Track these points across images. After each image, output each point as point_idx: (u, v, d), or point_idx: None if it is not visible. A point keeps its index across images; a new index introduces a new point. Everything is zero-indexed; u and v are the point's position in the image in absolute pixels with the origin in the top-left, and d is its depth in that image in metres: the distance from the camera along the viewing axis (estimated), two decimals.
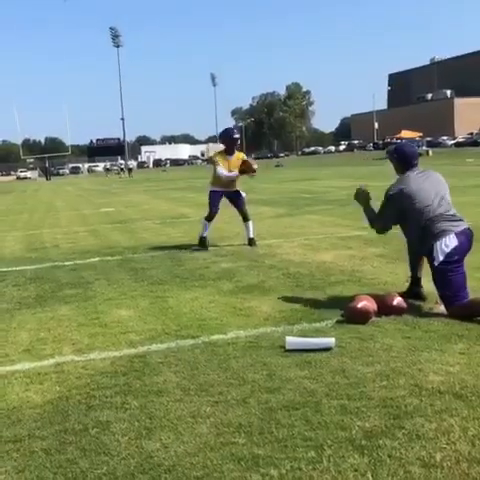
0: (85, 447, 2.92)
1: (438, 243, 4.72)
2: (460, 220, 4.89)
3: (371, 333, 4.38)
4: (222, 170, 8.79)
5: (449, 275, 4.70)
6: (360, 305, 4.69)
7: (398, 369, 3.67)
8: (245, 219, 9.14)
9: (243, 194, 9.17)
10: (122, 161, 66.79)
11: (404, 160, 5.17)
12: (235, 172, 8.79)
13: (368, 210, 5.35)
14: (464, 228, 4.83)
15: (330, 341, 4.11)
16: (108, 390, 3.62)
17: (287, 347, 4.10)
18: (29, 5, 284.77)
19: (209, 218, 9.03)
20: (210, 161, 9.36)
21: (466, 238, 4.79)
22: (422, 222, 4.82)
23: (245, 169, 8.82)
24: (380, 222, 5.22)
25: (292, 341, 4.13)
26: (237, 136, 9.13)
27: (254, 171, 8.93)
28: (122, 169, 56.16)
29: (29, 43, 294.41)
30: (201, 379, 3.70)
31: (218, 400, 3.36)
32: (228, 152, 8.91)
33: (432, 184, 5.01)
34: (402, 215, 4.95)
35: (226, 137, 9.02)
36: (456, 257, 4.70)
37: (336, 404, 3.21)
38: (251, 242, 8.98)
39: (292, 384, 3.52)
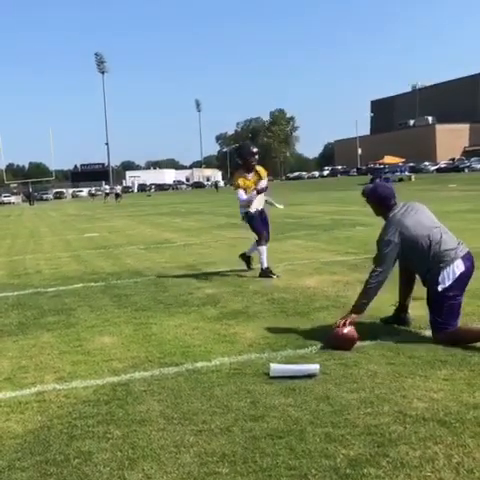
0: (66, 478, 2.88)
1: (447, 269, 4.71)
2: (461, 244, 4.92)
3: (355, 359, 4.37)
4: (241, 193, 8.22)
5: (448, 302, 4.69)
6: (345, 331, 4.69)
7: (382, 396, 3.67)
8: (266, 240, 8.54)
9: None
10: (107, 186, 66.67)
11: (383, 202, 5.08)
12: (254, 192, 8.21)
13: (361, 298, 5.02)
14: (467, 251, 4.86)
15: (314, 368, 4.10)
16: (90, 419, 3.57)
17: (271, 374, 4.08)
18: (13, 28, 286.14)
19: (262, 242, 8.40)
20: (233, 185, 8.62)
21: (470, 262, 4.82)
22: (428, 252, 4.78)
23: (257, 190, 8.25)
24: (385, 270, 4.87)
25: (276, 368, 4.11)
26: (255, 150, 8.45)
27: (261, 191, 8.31)
28: (107, 194, 55.84)
29: (13, 67, 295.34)
30: (185, 408, 3.67)
31: (202, 429, 3.33)
32: (247, 170, 8.36)
33: (424, 214, 5.02)
34: (406, 254, 4.87)
35: (243, 153, 8.42)
36: (461, 283, 4.72)
37: (320, 432, 3.19)
38: (244, 257, 8.82)
39: (276, 412, 3.49)
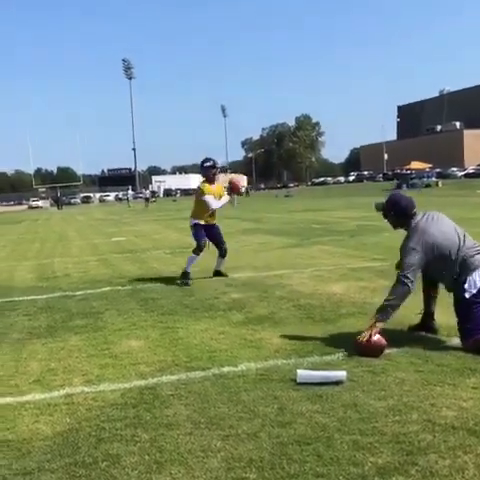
0: None
1: (473, 275, 4.68)
2: None
3: (383, 366, 4.34)
4: (210, 199, 8.69)
5: (476, 309, 4.66)
6: (375, 338, 4.65)
7: (411, 404, 3.63)
8: (223, 255, 9.08)
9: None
10: (147, 190, 67.04)
11: (405, 213, 5.00)
12: (225, 198, 8.84)
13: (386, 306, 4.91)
14: None
15: (342, 374, 4.08)
16: (118, 422, 3.60)
17: (298, 380, 4.07)
18: (42, 37, 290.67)
19: (197, 251, 8.82)
20: (197, 192, 9.06)
21: None
22: (453, 260, 4.74)
23: (232, 188, 8.89)
24: (411, 278, 4.79)
25: (303, 374, 4.10)
26: (208, 164, 8.86)
27: (240, 190, 8.83)
28: (147, 199, 55.72)
29: (42, 73, 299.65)
30: (212, 412, 3.68)
31: (229, 434, 3.33)
32: (210, 182, 8.85)
33: (445, 223, 4.99)
34: (430, 262, 4.83)
35: (203, 167, 8.92)
36: None
37: (348, 439, 3.17)
38: (219, 274, 9.09)
39: (304, 418, 3.48)
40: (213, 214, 8.94)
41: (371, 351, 4.61)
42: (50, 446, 3.34)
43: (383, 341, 4.66)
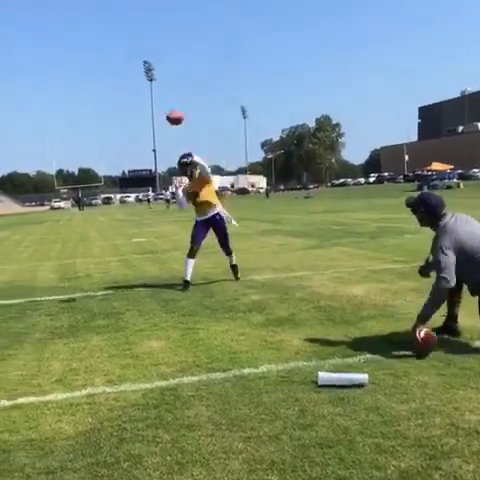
0: None
1: None
2: None
3: (405, 369, 4.30)
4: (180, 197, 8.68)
5: None
6: (423, 334, 4.62)
7: (433, 407, 3.60)
8: (227, 253, 8.87)
9: (224, 216, 8.70)
10: (167, 192, 67.70)
11: (435, 212, 4.99)
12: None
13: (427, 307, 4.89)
14: None
15: (363, 377, 4.05)
16: (140, 423, 3.62)
17: (319, 383, 4.05)
18: (62, 40, 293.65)
19: (189, 254, 8.67)
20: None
21: None
22: None
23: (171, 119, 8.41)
24: (448, 277, 4.75)
25: (325, 377, 4.08)
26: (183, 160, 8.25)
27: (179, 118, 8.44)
28: (168, 200, 56.01)
29: (62, 75, 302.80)
30: (233, 414, 3.68)
31: (250, 436, 3.33)
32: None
33: (473, 225, 4.97)
34: (458, 263, 4.79)
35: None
36: None
37: (370, 442, 3.15)
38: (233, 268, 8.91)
39: (325, 421, 3.47)
40: (201, 203, 8.58)
41: (427, 348, 4.59)
42: (72, 445, 3.36)
43: (431, 335, 4.64)
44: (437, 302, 4.81)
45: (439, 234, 4.90)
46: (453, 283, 4.78)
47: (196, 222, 8.83)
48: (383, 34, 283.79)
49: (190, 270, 8.52)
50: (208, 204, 8.62)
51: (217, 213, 8.67)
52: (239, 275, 8.90)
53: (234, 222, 8.98)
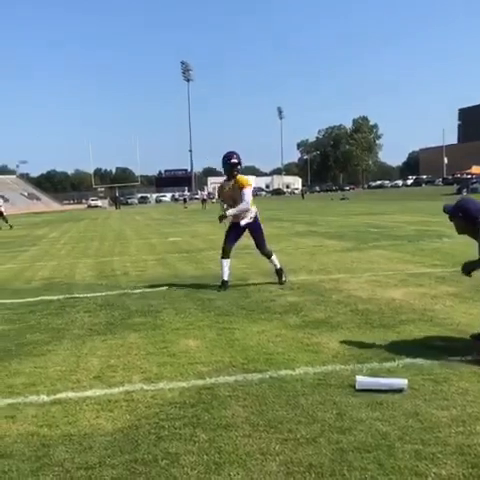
0: (155, 479, 2.93)
1: None
2: None
3: (445, 375, 4.23)
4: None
5: None
6: None
7: (475, 414, 3.53)
8: (266, 257, 8.76)
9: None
10: (204, 192, 68.45)
11: (473, 217, 4.81)
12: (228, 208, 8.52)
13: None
14: None
15: (403, 382, 3.99)
16: (177, 421, 3.63)
17: (357, 387, 4.01)
18: (101, 44, 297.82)
19: (222, 254, 8.69)
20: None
21: None
22: None
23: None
24: None
25: (363, 381, 4.03)
26: (233, 161, 8.40)
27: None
28: (205, 200, 56.38)
29: (102, 76, 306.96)
30: (270, 415, 3.66)
31: (287, 438, 3.31)
32: (227, 178, 8.63)
33: None
34: None
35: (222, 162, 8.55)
36: None
37: (410, 449, 3.10)
38: (278, 273, 8.70)
39: (364, 425, 3.43)
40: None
41: None
42: (111, 442, 3.40)
43: None
44: None
45: None
46: None
47: (231, 224, 8.81)
48: (423, 34, 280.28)
49: (226, 270, 8.53)
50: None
51: (253, 217, 8.64)
52: (284, 279, 8.68)
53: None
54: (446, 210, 5.09)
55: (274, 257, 8.75)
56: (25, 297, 8.54)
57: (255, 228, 8.66)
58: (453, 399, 3.79)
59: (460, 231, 5.02)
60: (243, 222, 8.56)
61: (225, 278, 8.48)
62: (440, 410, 3.62)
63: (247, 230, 8.72)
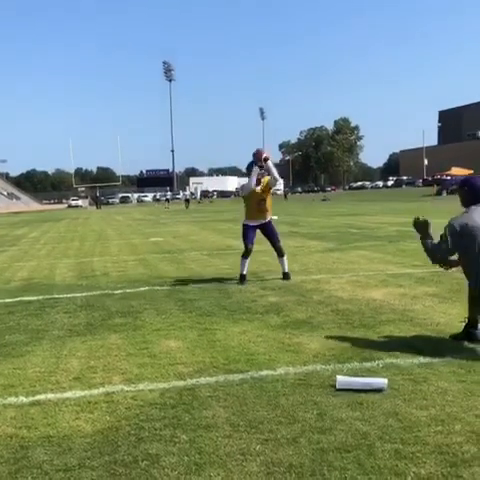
0: None
1: None
2: None
3: (424, 375, 4.26)
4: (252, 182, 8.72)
5: None
6: None
7: (454, 414, 3.55)
8: (280, 254, 9.07)
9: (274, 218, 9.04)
10: (187, 192, 68.83)
11: (474, 193, 5.15)
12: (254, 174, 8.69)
13: (427, 239, 5.26)
14: None
15: (382, 382, 4.02)
16: (157, 422, 3.62)
17: (338, 386, 4.03)
18: (84, 42, 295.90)
19: (244, 254, 8.91)
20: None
21: None
22: None
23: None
24: (440, 252, 5.14)
25: (343, 381, 4.05)
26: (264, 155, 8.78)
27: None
28: (188, 200, 56.70)
29: (85, 74, 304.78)
30: (250, 415, 3.66)
31: (268, 438, 3.31)
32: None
33: None
34: (465, 248, 4.91)
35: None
36: None
37: (390, 448, 3.12)
38: (285, 276, 9.00)
39: (344, 425, 3.44)
40: (261, 210, 8.85)
41: None
42: (90, 443, 3.37)
43: None
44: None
45: (459, 215, 5.10)
46: (440, 257, 5.17)
47: (246, 225, 8.96)
48: (402, 35, 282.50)
49: (246, 267, 8.86)
50: (267, 211, 8.91)
51: (269, 220, 8.99)
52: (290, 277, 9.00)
53: (275, 217, 9.29)
54: (464, 181, 5.43)
55: (285, 258, 9.07)
56: (4, 298, 8.44)
57: (269, 227, 8.98)
58: (432, 399, 3.82)
59: (463, 203, 5.28)
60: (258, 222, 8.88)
61: (244, 272, 8.84)
62: (419, 410, 3.64)
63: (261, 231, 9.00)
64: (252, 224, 8.92)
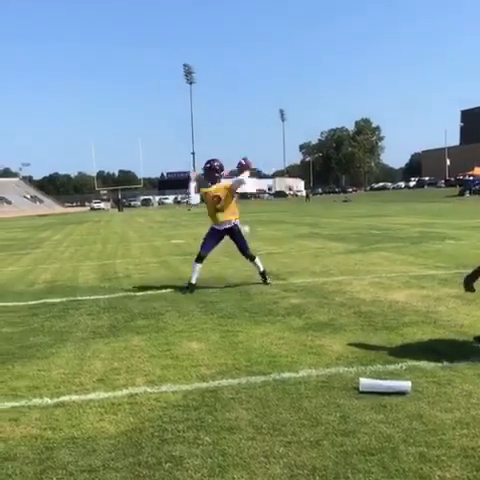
0: None
1: None
2: None
3: (449, 378, 4.22)
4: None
5: None
6: None
7: (479, 417, 3.52)
8: (251, 259, 8.89)
9: (244, 228, 8.82)
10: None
11: None
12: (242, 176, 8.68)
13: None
14: None
15: (406, 385, 3.99)
16: (181, 424, 3.63)
17: (361, 389, 4.00)
18: (105, 46, 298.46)
19: (197, 259, 8.77)
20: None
21: None
22: None
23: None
24: None
25: (366, 383, 4.03)
26: (207, 165, 8.76)
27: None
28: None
29: (105, 79, 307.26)
30: (273, 418, 3.66)
31: (291, 440, 3.31)
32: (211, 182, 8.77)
33: None
34: None
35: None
36: None
37: (414, 451, 3.09)
38: (262, 274, 8.87)
39: (367, 428, 3.42)
40: (220, 211, 8.60)
41: None
42: (114, 445, 3.39)
43: None
44: None
45: None
46: None
47: (213, 229, 8.83)
48: (427, 35, 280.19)
49: (196, 275, 8.64)
50: (230, 214, 8.69)
51: (235, 224, 8.74)
52: (269, 280, 8.88)
53: (246, 229, 9.13)
54: None
55: (257, 260, 8.91)
56: (28, 300, 8.54)
57: (235, 232, 8.76)
58: (457, 401, 3.78)
59: None
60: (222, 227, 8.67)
61: (193, 281, 8.60)
62: (444, 412, 3.61)
63: (229, 236, 8.81)
64: (217, 228, 8.75)
